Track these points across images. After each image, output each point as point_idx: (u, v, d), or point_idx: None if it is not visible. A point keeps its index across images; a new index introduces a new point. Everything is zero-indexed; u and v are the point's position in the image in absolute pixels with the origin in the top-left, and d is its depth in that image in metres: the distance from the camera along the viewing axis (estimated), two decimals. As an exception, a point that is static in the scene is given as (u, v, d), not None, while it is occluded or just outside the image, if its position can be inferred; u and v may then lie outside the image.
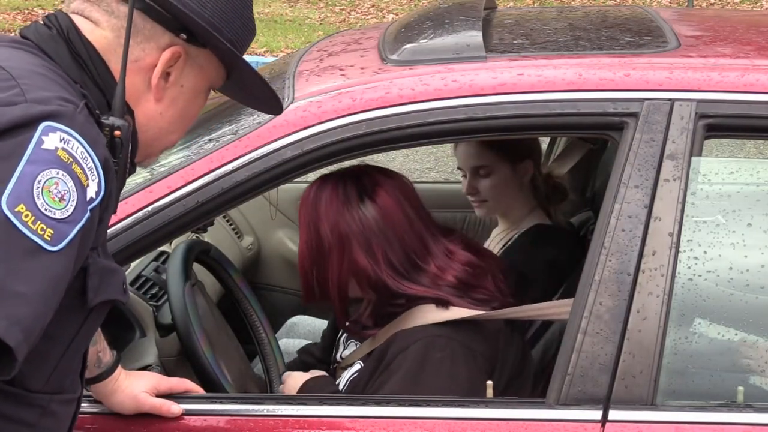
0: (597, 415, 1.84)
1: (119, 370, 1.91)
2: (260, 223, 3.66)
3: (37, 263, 1.28)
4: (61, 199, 1.31)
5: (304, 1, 13.80)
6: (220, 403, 1.99)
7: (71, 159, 1.32)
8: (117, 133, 1.43)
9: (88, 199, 1.34)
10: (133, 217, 1.91)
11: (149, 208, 1.91)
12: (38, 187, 1.29)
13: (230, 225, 3.50)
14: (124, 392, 1.90)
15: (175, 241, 2.67)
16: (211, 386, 2.16)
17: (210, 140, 2.04)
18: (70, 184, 1.32)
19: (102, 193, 1.37)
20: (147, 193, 1.93)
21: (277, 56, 10.08)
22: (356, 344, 2.32)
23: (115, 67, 1.47)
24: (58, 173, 1.30)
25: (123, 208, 1.91)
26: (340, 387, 2.25)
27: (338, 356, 2.39)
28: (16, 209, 1.27)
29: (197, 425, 1.90)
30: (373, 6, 13.62)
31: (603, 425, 1.84)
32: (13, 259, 1.27)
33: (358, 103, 1.96)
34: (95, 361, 1.87)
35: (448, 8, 2.44)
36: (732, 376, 1.96)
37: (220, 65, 1.57)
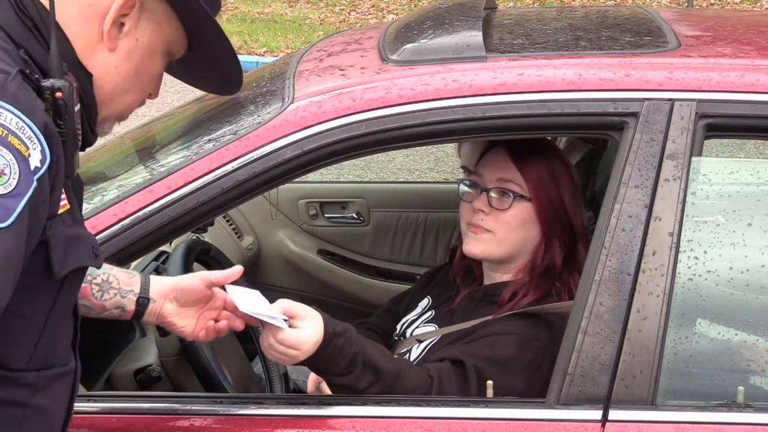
0: (597, 414, 1.84)
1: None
2: (260, 223, 3.66)
3: None
4: (1, 173, 1.28)
5: (304, 1, 13.80)
6: (220, 403, 1.99)
7: (6, 131, 1.29)
8: (58, 94, 1.39)
9: (32, 169, 1.32)
10: (133, 217, 1.90)
11: (149, 208, 1.91)
12: None
13: (230, 225, 3.51)
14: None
15: (175, 241, 2.67)
16: (211, 386, 2.16)
17: (210, 140, 2.04)
18: (9, 157, 1.29)
19: (48, 161, 1.34)
20: (147, 193, 1.93)
21: (277, 56, 10.08)
22: (435, 327, 2.34)
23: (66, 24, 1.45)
24: None
25: (123, 207, 1.91)
26: (412, 357, 2.26)
27: (410, 331, 2.39)
28: None
29: (197, 425, 1.90)
30: (373, 6, 13.62)
31: (603, 425, 1.84)
32: None
33: (358, 103, 1.96)
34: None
35: (448, 8, 2.44)
36: (732, 376, 1.96)
37: (180, 27, 1.54)
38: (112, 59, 1.50)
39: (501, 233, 2.25)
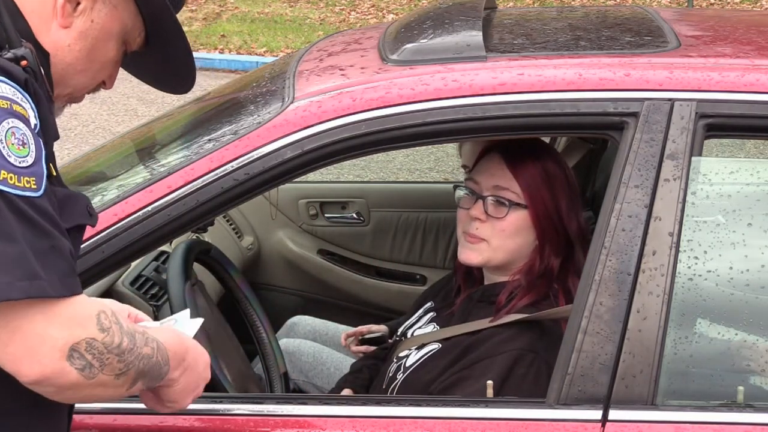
0: (597, 414, 1.84)
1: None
2: (260, 223, 3.67)
3: (36, 214, 1.29)
4: (23, 144, 1.30)
5: (304, 1, 13.80)
6: (220, 403, 1.99)
7: (9, 102, 1.31)
8: (24, 63, 1.40)
9: (33, 127, 1.34)
10: (133, 217, 1.90)
11: (149, 208, 1.91)
12: (3, 146, 1.28)
13: (230, 225, 3.51)
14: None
15: (175, 241, 2.67)
16: (211, 386, 2.16)
17: (210, 140, 2.04)
18: (22, 125, 1.31)
19: (36, 114, 1.36)
20: (147, 193, 1.93)
21: (277, 56, 10.08)
22: (436, 327, 2.34)
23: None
24: (9, 123, 1.30)
25: (123, 207, 1.91)
26: (409, 362, 2.26)
27: (410, 332, 2.40)
28: (0, 178, 1.27)
29: (197, 425, 1.91)
30: (373, 6, 13.62)
31: (603, 425, 1.84)
32: (19, 227, 1.27)
33: (358, 103, 1.96)
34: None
35: (448, 8, 2.44)
36: (732, 376, 1.96)
37: (138, 16, 1.56)
38: (66, 37, 1.51)
39: (496, 241, 2.25)
